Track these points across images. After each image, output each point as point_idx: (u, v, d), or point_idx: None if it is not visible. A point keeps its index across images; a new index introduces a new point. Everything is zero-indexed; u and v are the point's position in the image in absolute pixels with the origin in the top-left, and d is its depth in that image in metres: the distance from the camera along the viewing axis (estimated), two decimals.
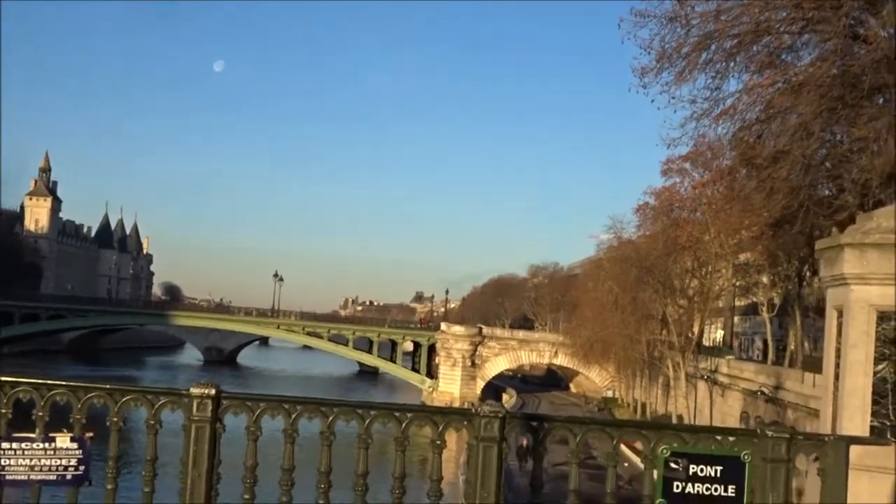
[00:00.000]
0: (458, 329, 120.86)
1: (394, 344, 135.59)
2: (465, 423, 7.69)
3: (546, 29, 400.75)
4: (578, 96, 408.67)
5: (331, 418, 7.54)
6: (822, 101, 23.52)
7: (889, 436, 8.46)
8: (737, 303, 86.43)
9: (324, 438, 7.62)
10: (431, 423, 7.70)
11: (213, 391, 7.30)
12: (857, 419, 8.72)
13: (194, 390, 7.30)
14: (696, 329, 67.68)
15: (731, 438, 7.54)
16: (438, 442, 7.68)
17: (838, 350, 9.19)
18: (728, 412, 57.79)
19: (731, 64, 25.40)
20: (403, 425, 7.62)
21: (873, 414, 8.63)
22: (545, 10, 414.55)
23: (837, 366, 9.23)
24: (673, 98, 25.55)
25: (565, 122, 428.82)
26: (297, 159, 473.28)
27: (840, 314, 9.10)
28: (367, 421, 7.56)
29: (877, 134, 22.09)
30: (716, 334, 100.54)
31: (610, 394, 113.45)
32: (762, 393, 47.44)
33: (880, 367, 8.69)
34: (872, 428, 8.58)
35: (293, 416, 7.56)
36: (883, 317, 8.59)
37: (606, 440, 7.72)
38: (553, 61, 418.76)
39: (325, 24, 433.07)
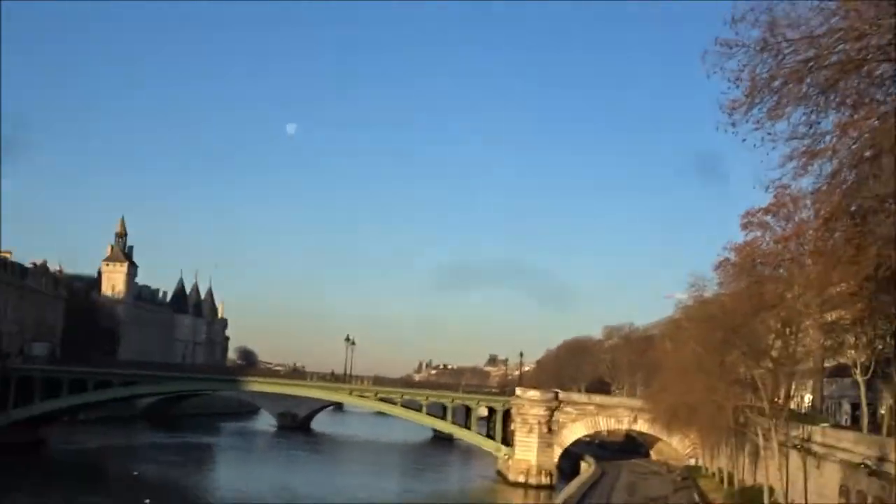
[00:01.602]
0: (533, 394, 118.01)
1: (468, 409, 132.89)
2: None
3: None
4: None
5: None
6: None
7: None
8: (825, 364, 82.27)
9: None
10: None
11: None
12: None
13: None
14: (783, 393, 63.92)
15: None
16: None
17: None
18: (825, 484, 53.82)
19: (831, 97, 22.86)
20: None
21: None
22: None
23: None
24: (769, 134, 23.06)
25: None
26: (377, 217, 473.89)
27: None
28: None
29: None
30: (803, 399, 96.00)
31: (692, 462, 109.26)
32: (865, 466, 43.69)
33: None
34: None
35: None
36: None
37: None
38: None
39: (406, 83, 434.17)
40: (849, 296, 54.93)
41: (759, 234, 63.64)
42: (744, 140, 23.88)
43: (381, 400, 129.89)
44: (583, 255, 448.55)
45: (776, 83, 22.73)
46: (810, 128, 23.68)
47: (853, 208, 34.74)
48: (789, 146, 24.27)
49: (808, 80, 22.63)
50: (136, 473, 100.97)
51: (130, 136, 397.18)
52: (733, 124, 23.68)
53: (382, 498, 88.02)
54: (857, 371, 67.27)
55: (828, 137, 23.84)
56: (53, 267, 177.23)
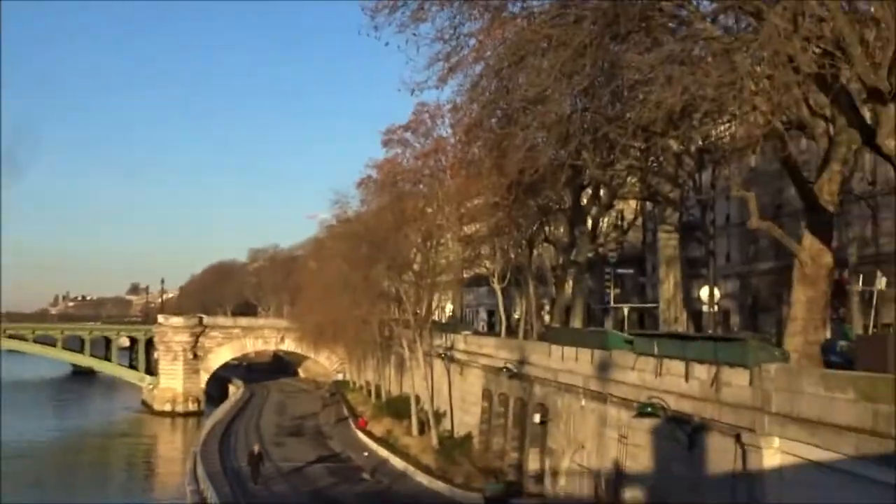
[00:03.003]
0: (176, 320, 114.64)
1: (108, 341, 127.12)
2: None
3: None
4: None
5: None
6: (589, 34, 20.92)
7: None
8: (464, 275, 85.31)
9: None
10: None
11: None
12: None
13: None
14: (427, 305, 65.47)
15: None
16: None
17: None
18: (469, 390, 55.67)
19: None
20: None
21: None
22: None
23: None
24: (414, 35, 22.31)
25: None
26: None
27: None
28: None
29: (654, 69, 19.75)
30: (444, 309, 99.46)
31: (341, 377, 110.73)
32: (507, 369, 45.24)
33: None
34: None
35: None
36: None
37: None
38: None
39: None
40: (487, 208, 56.80)
41: (399, 150, 64.40)
42: (386, 44, 23.12)
43: (11, 337, 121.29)
44: (221, 177, 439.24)
45: None
46: (454, 31, 23.25)
47: (495, 119, 35.33)
48: (434, 49, 23.74)
49: None
50: None
51: None
52: (376, 27, 22.80)
53: (19, 438, 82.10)
54: (495, 280, 70.08)
55: (472, 41, 23.49)
56: None
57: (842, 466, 19.31)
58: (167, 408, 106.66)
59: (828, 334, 37.09)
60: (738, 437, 23.27)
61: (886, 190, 56.06)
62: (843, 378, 19.83)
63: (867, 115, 24.14)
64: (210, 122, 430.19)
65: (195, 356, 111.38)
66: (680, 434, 26.52)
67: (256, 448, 49.93)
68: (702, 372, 25.97)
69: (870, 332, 37.91)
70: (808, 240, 27.20)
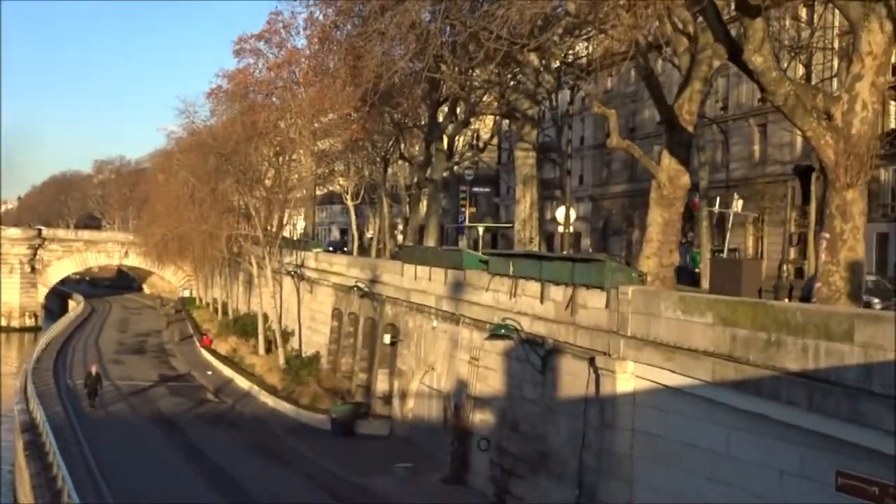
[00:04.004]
0: (13, 232, 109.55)
1: None
2: None
3: None
4: None
5: None
6: None
7: None
8: (317, 192, 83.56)
9: None
10: None
11: None
12: None
13: None
14: (278, 221, 63.64)
15: None
16: None
17: None
18: (318, 309, 54.28)
19: None
20: None
21: None
22: None
23: None
24: None
25: None
26: None
27: None
28: None
29: None
30: (296, 227, 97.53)
31: (187, 294, 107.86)
32: (358, 288, 43.96)
33: None
34: None
35: None
36: None
37: None
38: None
39: None
40: (341, 122, 55.17)
41: (252, 61, 61.81)
42: None
43: None
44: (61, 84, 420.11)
45: None
46: None
47: (350, 24, 33.68)
48: None
49: None
50: None
51: None
52: None
53: None
54: (348, 197, 68.62)
55: None
56: None
57: (697, 392, 18.83)
58: (2, 322, 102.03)
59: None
60: (591, 361, 22.64)
61: (738, 114, 56.77)
62: (701, 301, 19.23)
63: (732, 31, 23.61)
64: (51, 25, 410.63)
65: (33, 269, 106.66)
66: (533, 357, 25.85)
67: (94, 369, 47.32)
68: (557, 293, 25.24)
69: (721, 256, 38.12)
70: (667, 160, 26.71)
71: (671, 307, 19.96)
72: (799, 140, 48.75)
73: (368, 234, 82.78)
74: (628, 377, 21.18)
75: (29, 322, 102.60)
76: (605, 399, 21.91)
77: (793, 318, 16.25)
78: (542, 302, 26.06)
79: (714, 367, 18.09)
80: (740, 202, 39.70)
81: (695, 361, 18.72)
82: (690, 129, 27.34)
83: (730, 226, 38.42)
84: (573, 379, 23.94)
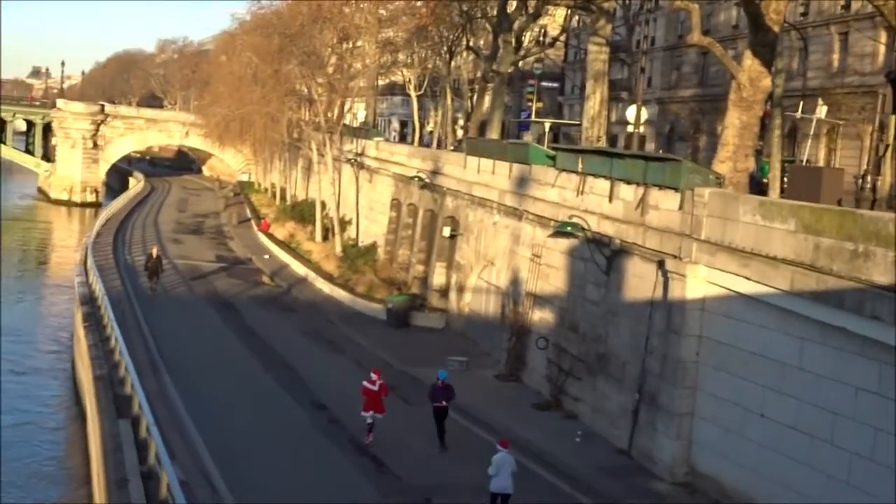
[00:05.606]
0: (76, 106, 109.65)
1: (3, 123, 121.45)
2: None
3: None
4: None
5: None
6: None
7: None
8: (378, 82, 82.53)
9: None
10: None
11: None
12: None
13: None
14: (339, 108, 62.83)
15: None
16: None
17: None
18: (377, 199, 53.76)
19: None
20: None
21: None
22: None
23: None
24: None
25: None
26: None
27: None
28: None
29: None
30: (356, 115, 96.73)
31: (245, 178, 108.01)
32: (419, 179, 43.31)
33: None
34: None
35: None
36: None
37: None
38: None
39: None
40: (409, 7, 54.00)
41: None
42: None
43: None
44: None
45: None
46: None
47: None
48: None
49: None
50: None
51: None
52: None
53: None
54: (411, 88, 67.59)
55: None
56: None
57: (772, 301, 18.16)
58: (64, 196, 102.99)
59: None
60: (661, 264, 21.98)
61: (819, 21, 54.59)
62: (784, 207, 18.38)
63: None
64: None
65: (95, 145, 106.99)
66: (598, 257, 25.23)
67: (155, 251, 47.05)
68: (628, 192, 24.46)
69: (794, 164, 36.90)
70: (749, 60, 25.48)
71: (750, 212, 19.16)
72: (882, 50, 46.89)
73: (429, 128, 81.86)
74: (699, 282, 20.52)
75: (90, 197, 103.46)
76: (672, 303, 21.30)
77: (884, 228, 15.43)
78: (610, 201, 25.31)
79: (793, 277, 17.37)
80: (824, 108, 38.16)
81: (772, 269, 17.99)
82: (776, 28, 26.03)
83: (811, 132, 37.01)
84: (639, 281, 23.32)
